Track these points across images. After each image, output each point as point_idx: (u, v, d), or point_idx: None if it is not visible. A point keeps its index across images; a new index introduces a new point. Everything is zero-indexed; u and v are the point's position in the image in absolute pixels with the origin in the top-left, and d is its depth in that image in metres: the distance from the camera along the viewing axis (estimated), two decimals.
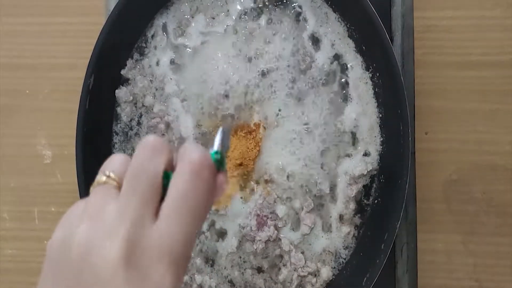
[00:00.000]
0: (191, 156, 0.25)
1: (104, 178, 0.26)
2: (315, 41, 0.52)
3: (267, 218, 0.51)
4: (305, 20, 0.52)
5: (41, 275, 0.26)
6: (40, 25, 0.58)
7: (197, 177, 0.25)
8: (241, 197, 0.52)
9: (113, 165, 0.27)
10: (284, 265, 0.51)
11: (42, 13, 0.58)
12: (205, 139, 0.53)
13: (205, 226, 0.52)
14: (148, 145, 0.26)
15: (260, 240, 0.51)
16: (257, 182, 0.52)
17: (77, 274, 0.23)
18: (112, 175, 0.26)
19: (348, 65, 0.51)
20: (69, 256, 0.24)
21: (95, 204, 0.25)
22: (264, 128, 0.52)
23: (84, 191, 0.49)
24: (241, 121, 0.52)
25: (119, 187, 0.26)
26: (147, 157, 0.25)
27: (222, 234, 0.52)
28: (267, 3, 0.52)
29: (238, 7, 0.52)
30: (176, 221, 0.24)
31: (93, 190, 0.26)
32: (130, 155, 0.53)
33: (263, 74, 0.52)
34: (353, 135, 0.51)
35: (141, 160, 0.25)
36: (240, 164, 0.52)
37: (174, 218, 0.24)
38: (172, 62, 0.53)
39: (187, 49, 0.53)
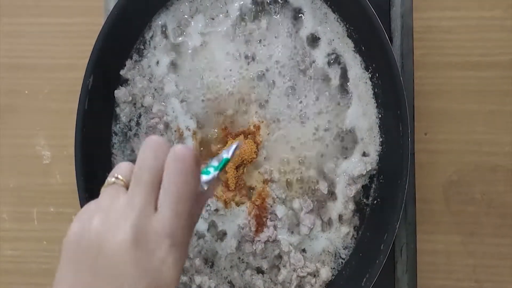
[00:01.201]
0: (174, 150, 0.30)
1: (113, 179, 0.31)
2: (314, 41, 0.52)
3: (267, 218, 0.51)
4: (304, 20, 0.52)
5: (59, 267, 0.29)
6: (39, 25, 0.58)
7: (178, 166, 0.29)
8: (241, 198, 0.52)
9: (120, 170, 0.31)
10: (283, 266, 0.51)
11: (42, 13, 0.58)
12: (204, 140, 0.53)
13: (204, 227, 0.52)
14: (150, 144, 0.30)
15: (259, 241, 0.51)
16: (257, 183, 0.52)
17: (94, 259, 0.27)
18: (120, 176, 0.30)
19: (348, 66, 0.51)
20: (87, 245, 0.28)
21: (106, 199, 0.29)
22: (264, 128, 0.51)
23: (83, 192, 0.49)
24: (241, 128, 0.52)
25: (126, 186, 0.30)
26: (149, 155, 0.30)
27: (221, 234, 0.52)
28: (266, 3, 0.52)
29: (238, 7, 0.52)
30: (169, 207, 0.28)
31: (104, 190, 0.31)
32: (129, 155, 0.54)
33: (263, 74, 0.52)
34: (353, 136, 0.51)
35: (144, 158, 0.30)
36: (240, 165, 0.52)
37: (166, 205, 0.28)
38: (171, 62, 0.53)
39: (187, 49, 0.53)
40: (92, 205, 0.30)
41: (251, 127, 0.52)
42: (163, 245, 0.27)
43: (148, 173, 0.29)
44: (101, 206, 0.29)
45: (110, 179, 0.31)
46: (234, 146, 0.36)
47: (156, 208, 0.29)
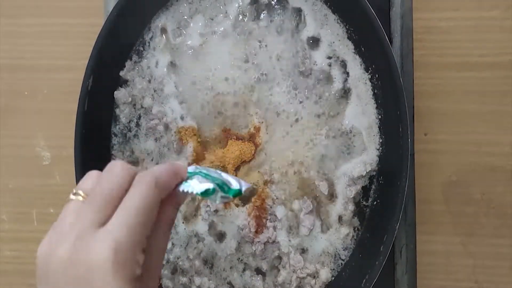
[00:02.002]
0: (139, 174, 0.32)
1: (71, 196, 0.32)
2: (314, 42, 0.52)
3: (266, 219, 0.51)
4: (304, 21, 0.52)
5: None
6: (39, 26, 0.58)
7: (136, 185, 0.31)
8: (240, 198, 0.52)
9: (83, 183, 0.33)
10: (283, 267, 0.51)
11: (41, 14, 0.58)
12: (204, 141, 0.52)
13: (204, 228, 0.52)
14: (108, 167, 0.32)
15: (259, 242, 0.51)
16: (257, 183, 0.52)
17: (45, 279, 0.29)
18: (80, 191, 0.32)
19: (347, 66, 0.51)
20: (40, 264, 0.30)
21: (60, 218, 0.31)
22: (263, 129, 0.51)
23: None
24: (240, 128, 0.52)
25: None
26: (104, 177, 0.32)
27: (221, 235, 0.52)
28: (266, 4, 0.52)
29: (237, 8, 0.52)
30: (118, 218, 0.29)
31: (64, 206, 0.32)
32: (129, 156, 0.54)
33: (262, 75, 0.52)
34: (353, 136, 0.51)
35: (99, 180, 0.32)
36: (239, 166, 0.52)
37: (117, 216, 0.29)
38: (170, 63, 0.53)
39: (186, 50, 0.53)
40: (54, 223, 0.32)
41: (251, 129, 0.52)
42: (102, 248, 0.28)
43: (99, 194, 0.30)
44: (54, 225, 0.31)
45: (70, 195, 0.32)
46: (248, 185, 0.36)
47: (106, 222, 0.30)
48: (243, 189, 0.35)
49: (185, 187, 0.34)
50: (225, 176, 0.36)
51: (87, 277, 0.27)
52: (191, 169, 0.36)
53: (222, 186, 0.35)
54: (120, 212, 0.30)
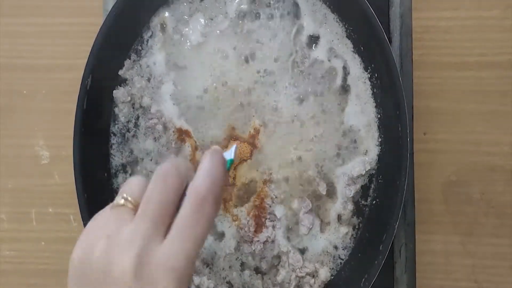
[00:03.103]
0: (196, 187, 0.29)
1: (122, 201, 0.30)
2: (314, 41, 0.52)
3: (266, 219, 0.51)
4: (303, 20, 0.52)
5: None
6: (38, 25, 0.58)
7: (199, 211, 0.29)
8: (239, 198, 0.52)
9: (130, 189, 0.31)
10: (282, 266, 0.51)
11: (40, 13, 0.58)
12: (203, 141, 0.52)
13: None
14: (161, 174, 0.30)
15: (258, 241, 0.51)
16: (256, 183, 0.52)
17: (97, 285, 0.27)
18: (129, 198, 0.30)
19: (347, 66, 0.51)
20: (90, 270, 0.28)
21: (112, 224, 0.29)
22: (263, 128, 0.51)
23: (82, 192, 0.48)
24: (240, 128, 0.52)
25: (135, 209, 0.30)
26: (158, 187, 0.29)
27: (220, 235, 0.52)
28: (265, 4, 0.52)
29: (237, 8, 0.52)
30: (179, 244, 0.28)
31: (111, 211, 0.30)
32: (128, 156, 0.54)
33: (262, 75, 0.52)
34: (352, 136, 0.51)
35: (152, 189, 0.29)
36: (238, 165, 0.52)
37: (177, 241, 0.28)
38: (170, 62, 0.53)
39: (185, 49, 0.53)
40: (97, 224, 0.30)
41: (251, 130, 0.52)
42: (165, 277, 0.27)
43: (155, 206, 0.29)
44: (107, 232, 0.28)
45: (119, 199, 0.30)
46: (234, 147, 0.35)
47: (163, 238, 0.28)
48: (233, 155, 0.34)
49: None
50: None
51: None
52: None
53: None
54: (180, 237, 0.28)
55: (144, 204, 0.29)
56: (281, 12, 0.52)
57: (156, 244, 0.28)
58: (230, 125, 0.52)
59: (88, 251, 0.28)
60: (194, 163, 0.52)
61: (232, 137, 0.52)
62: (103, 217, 0.30)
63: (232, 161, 0.34)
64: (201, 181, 0.30)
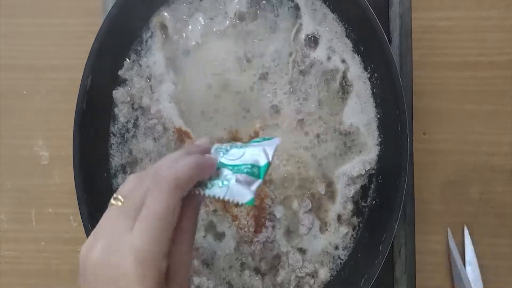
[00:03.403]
0: (156, 167, 0.33)
1: (112, 201, 0.33)
2: (313, 41, 0.52)
3: (265, 219, 0.51)
4: (303, 20, 0.52)
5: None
6: (37, 26, 0.58)
7: (156, 187, 0.31)
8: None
9: (123, 188, 0.33)
10: (282, 266, 0.51)
11: (40, 14, 0.58)
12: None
13: (202, 228, 0.52)
14: (134, 175, 0.34)
15: (258, 241, 0.51)
16: None
17: (83, 276, 0.31)
18: (119, 197, 0.33)
19: (346, 66, 0.51)
20: (81, 265, 0.31)
21: (100, 221, 0.33)
22: (263, 129, 0.51)
23: (81, 192, 0.48)
24: (240, 127, 0.52)
25: (123, 206, 0.33)
26: (131, 184, 0.33)
27: (219, 235, 0.52)
28: (265, 4, 0.52)
29: (236, 8, 0.52)
30: (141, 226, 0.30)
31: (106, 211, 0.33)
32: (128, 157, 0.54)
33: (262, 75, 0.52)
34: (351, 136, 0.51)
35: (131, 188, 0.33)
36: None
37: (139, 224, 0.30)
38: (169, 62, 0.53)
39: (185, 49, 0.53)
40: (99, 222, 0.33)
41: (251, 130, 0.52)
42: (129, 258, 0.29)
43: (130, 201, 0.32)
44: (95, 228, 0.32)
45: (111, 199, 0.33)
46: (276, 141, 0.31)
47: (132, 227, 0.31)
48: (270, 157, 0.31)
49: (211, 191, 0.31)
50: (250, 152, 0.32)
51: (115, 280, 0.29)
52: (212, 151, 0.34)
53: (253, 172, 0.31)
54: (140, 219, 0.30)
55: (125, 200, 0.32)
56: (280, 12, 0.52)
57: (126, 232, 0.30)
58: (229, 125, 0.52)
59: (82, 247, 0.32)
60: None
61: (232, 137, 0.52)
62: (104, 216, 0.33)
63: (268, 165, 0.31)
64: (163, 161, 0.33)
